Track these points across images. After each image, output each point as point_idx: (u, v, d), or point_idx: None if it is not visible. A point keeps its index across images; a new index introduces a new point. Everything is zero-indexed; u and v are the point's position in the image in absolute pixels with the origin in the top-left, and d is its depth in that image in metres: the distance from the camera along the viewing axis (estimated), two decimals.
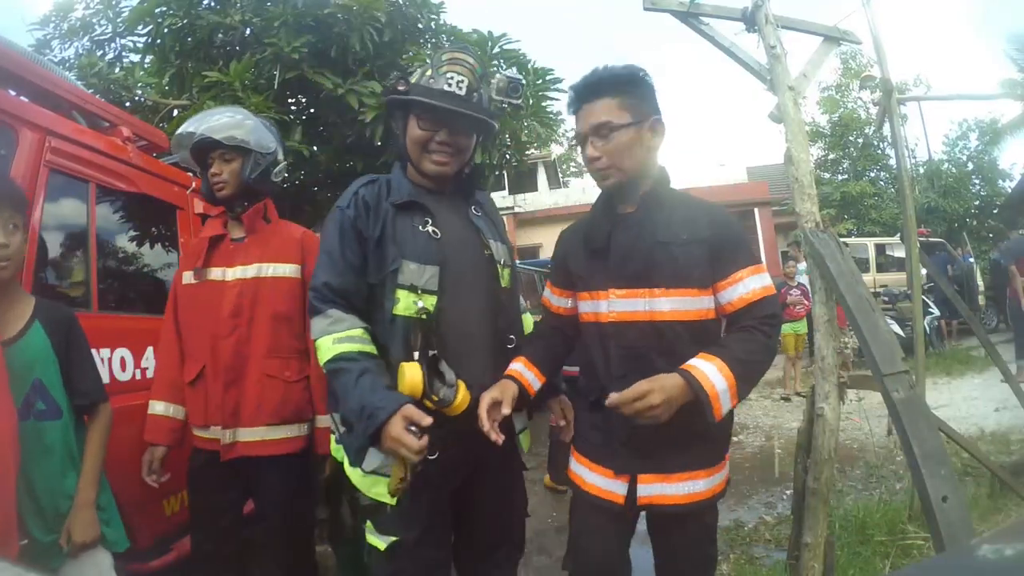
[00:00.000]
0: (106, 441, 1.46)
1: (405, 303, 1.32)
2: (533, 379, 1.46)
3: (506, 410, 1.32)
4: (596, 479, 1.40)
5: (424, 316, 1.31)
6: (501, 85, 1.49)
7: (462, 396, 1.29)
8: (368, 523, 1.36)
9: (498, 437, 1.27)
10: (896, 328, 6.88)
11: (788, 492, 3.06)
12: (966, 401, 5.25)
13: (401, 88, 1.41)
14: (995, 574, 0.55)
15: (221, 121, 1.84)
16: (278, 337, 1.79)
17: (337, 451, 1.64)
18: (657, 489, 1.33)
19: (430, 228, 1.38)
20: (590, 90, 1.35)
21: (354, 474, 1.36)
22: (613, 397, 1.20)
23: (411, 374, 1.24)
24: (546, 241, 13.57)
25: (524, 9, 49.32)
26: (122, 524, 1.50)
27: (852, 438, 4.25)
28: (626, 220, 1.38)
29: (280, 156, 1.94)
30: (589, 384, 1.43)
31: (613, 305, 1.35)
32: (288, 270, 1.84)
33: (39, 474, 1.33)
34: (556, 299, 1.56)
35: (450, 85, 1.39)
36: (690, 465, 1.34)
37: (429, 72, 1.42)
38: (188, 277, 1.85)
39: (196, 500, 1.85)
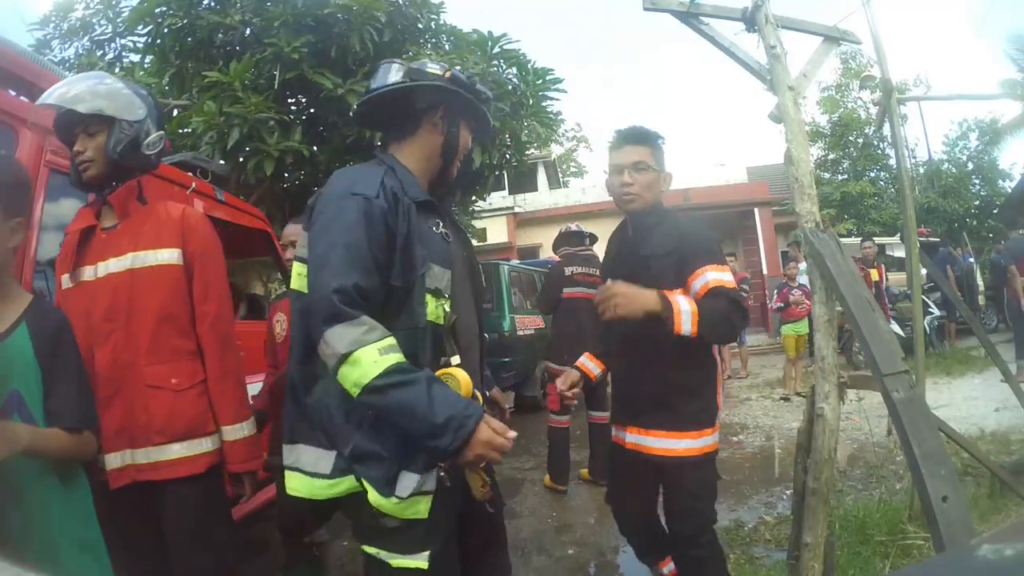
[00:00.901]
0: (73, 455, 1.25)
1: (431, 308, 1.27)
2: (594, 367, 2.00)
3: (573, 392, 1.89)
4: (614, 431, 1.94)
5: (450, 321, 1.29)
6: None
7: (479, 400, 1.26)
8: (383, 550, 1.24)
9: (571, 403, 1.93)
10: (896, 328, 6.87)
11: (788, 492, 3.05)
12: (966, 401, 5.25)
13: (466, 78, 1.41)
14: (995, 574, 0.55)
15: (80, 89, 1.52)
16: (160, 338, 1.51)
17: (331, 487, 1.25)
18: (637, 439, 1.81)
19: (443, 230, 1.36)
20: (635, 136, 1.83)
21: (385, 504, 1.20)
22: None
23: (465, 379, 1.21)
24: (546, 241, 13.54)
25: (524, 9, 49.42)
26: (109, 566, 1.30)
27: (852, 438, 4.25)
28: (628, 240, 1.89)
29: (151, 125, 1.59)
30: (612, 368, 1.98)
31: None
32: (167, 256, 1.54)
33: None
34: None
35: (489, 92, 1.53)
36: (663, 425, 1.75)
37: (465, 76, 1.44)
38: (65, 281, 1.56)
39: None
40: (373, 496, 1.21)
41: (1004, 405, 4.56)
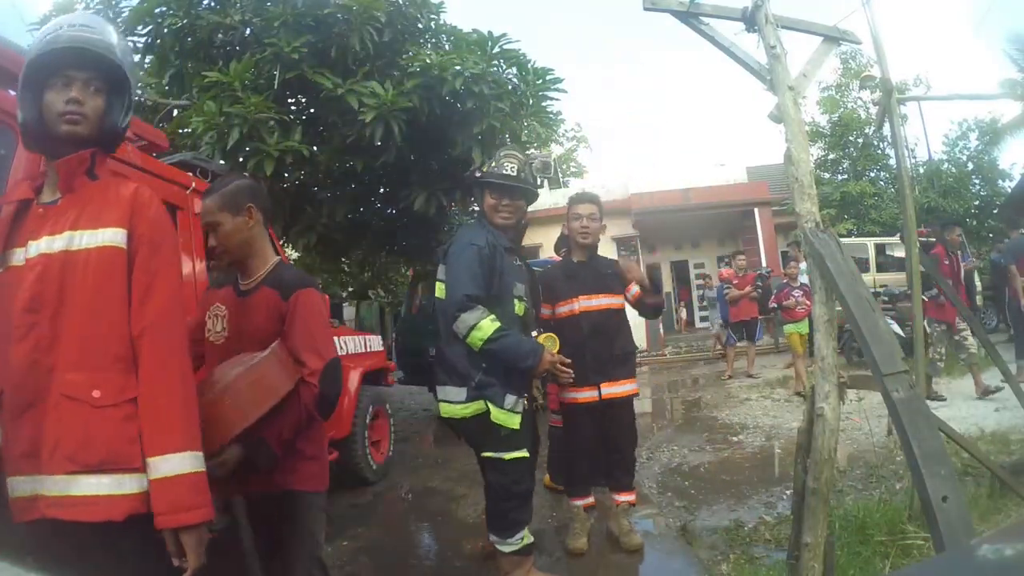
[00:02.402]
0: None
1: (518, 306, 2.34)
2: None
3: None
4: (578, 395, 2.75)
5: (528, 313, 2.42)
6: (537, 165, 2.48)
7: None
8: (498, 451, 2.26)
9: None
10: (896, 328, 6.86)
11: (788, 492, 3.05)
12: (966, 401, 5.25)
13: (478, 175, 2.46)
14: (995, 574, 0.55)
15: (115, 39, 1.30)
16: (92, 338, 1.21)
17: (464, 408, 2.25)
18: (611, 390, 2.76)
19: (519, 262, 2.44)
20: (589, 197, 2.90)
21: (499, 414, 2.21)
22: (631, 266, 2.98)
23: (556, 341, 2.42)
24: (546, 241, 13.51)
25: (524, 9, 49.44)
26: None
27: (852, 438, 4.25)
28: (583, 265, 2.86)
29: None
30: (569, 347, 2.56)
31: (582, 304, 2.78)
32: (109, 236, 1.25)
33: None
34: (543, 309, 2.79)
35: (506, 169, 2.38)
36: (623, 376, 2.82)
37: (494, 163, 2.43)
38: None
39: None
40: (494, 412, 2.21)
41: (1004, 405, 4.56)
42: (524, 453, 2.28)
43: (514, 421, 2.23)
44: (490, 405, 2.20)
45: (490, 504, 2.38)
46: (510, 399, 2.23)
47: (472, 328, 2.14)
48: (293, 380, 1.53)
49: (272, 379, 1.50)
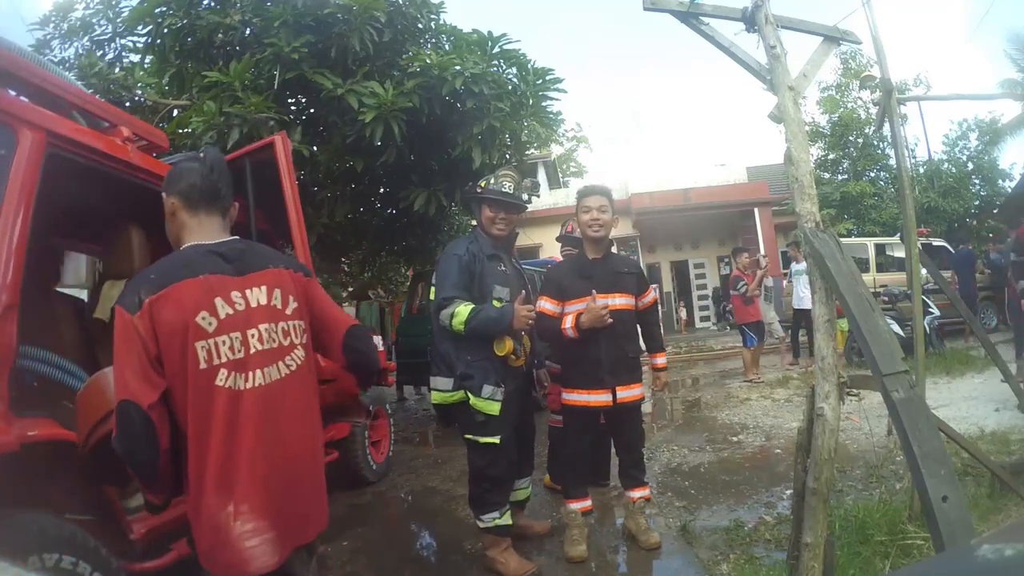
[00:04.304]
0: None
1: (497, 307, 2.55)
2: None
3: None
4: (590, 397, 2.75)
5: None
6: (527, 184, 2.79)
7: (524, 357, 2.70)
8: (473, 435, 2.57)
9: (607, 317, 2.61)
10: (896, 328, 6.86)
11: (788, 492, 3.05)
12: (966, 401, 5.24)
13: (478, 190, 2.73)
14: (995, 574, 0.55)
15: None
16: None
17: (451, 396, 2.58)
18: (624, 393, 2.75)
19: (503, 267, 2.70)
20: (599, 190, 2.82)
21: (477, 401, 2.53)
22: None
23: (508, 342, 2.54)
24: (546, 241, 13.54)
25: (524, 9, 49.43)
26: None
27: (852, 438, 4.24)
28: (598, 262, 2.80)
29: None
30: (581, 347, 2.69)
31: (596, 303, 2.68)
32: None
33: None
34: (551, 306, 2.78)
35: (504, 187, 2.69)
36: (634, 380, 2.80)
37: (493, 180, 2.71)
38: None
39: None
40: (473, 400, 2.54)
41: (1004, 405, 4.56)
42: (496, 440, 2.55)
43: (493, 408, 2.54)
44: (469, 394, 2.55)
45: (470, 483, 2.72)
46: (487, 389, 2.55)
47: (452, 316, 2.47)
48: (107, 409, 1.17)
49: (93, 397, 1.20)
